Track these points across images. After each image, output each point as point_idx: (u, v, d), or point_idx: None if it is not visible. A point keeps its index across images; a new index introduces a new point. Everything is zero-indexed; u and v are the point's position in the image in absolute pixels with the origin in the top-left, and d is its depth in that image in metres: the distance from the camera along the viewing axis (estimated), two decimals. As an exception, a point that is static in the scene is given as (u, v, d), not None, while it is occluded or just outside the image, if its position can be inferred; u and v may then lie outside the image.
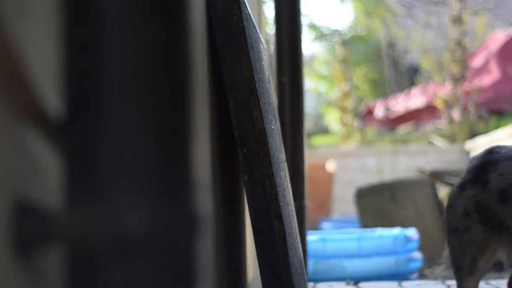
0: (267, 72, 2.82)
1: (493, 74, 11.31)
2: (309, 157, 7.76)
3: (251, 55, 2.30)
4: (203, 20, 2.19)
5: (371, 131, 12.69)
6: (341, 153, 9.78)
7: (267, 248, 2.31)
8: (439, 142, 10.57)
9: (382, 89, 16.06)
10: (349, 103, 12.83)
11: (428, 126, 11.99)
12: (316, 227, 7.80)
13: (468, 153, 9.61)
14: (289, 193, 2.87)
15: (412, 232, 5.40)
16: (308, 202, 4.08)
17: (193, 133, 0.77)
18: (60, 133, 0.81)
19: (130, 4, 0.75)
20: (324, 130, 16.95)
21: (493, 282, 4.00)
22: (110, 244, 0.73)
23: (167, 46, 0.76)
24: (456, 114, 11.02)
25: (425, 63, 12.72)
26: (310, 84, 17.40)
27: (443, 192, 6.67)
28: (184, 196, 0.76)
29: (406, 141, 11.24)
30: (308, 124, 13.11)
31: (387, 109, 13.07)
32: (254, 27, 2.58)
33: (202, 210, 0.77)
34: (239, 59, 2.27)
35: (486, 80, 11.27)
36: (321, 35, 17.18)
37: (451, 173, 7.27)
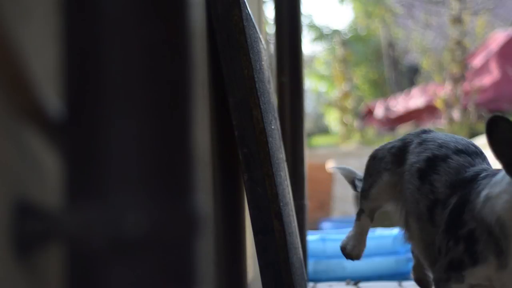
0: (267, 72, 2.82)
1: (493, 74, 11.30)
2: (309, 157, 7.74)
3: (251, 55, 2.30)
4: (203, 20, 2.19)
5: (371, 131, 12.69)
6: (341, 153, 9.77)
7: (267, 248, 2.31)
8: (439, 142, 10.56)
9: (382, 89, 16.05)
10: (349, 103, 12.83)
11: (428, 126, 11.99)
12: (316, 227, 7.79)
13: (468, 153, 9.59)
14: (289, 193, 2.87)
15: (412, 232, 5.38)
16: (308, 202, 4.08)
17: (193, 133, 0.77)
18: (60, 133, 0.81)
19: (130, 4, 0.75)
20: (324, 130, 16.95)
21: (493, 282, 3.99)
22: (110, 244, 0.73)
23: (167, 46, 0.76)
24: (456, 114, 11.02)
25: (425, 63, 12.72)
26: (310, 84, 17.40)
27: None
28: (184, 196, 0.76)
29: (406, 141, 11.22)
30: (308, 124, 13.11)
31: (387, 109, 13.06)
32: (254, 27, 2.58)
33: (202, 210, 0.77)
34: (239, 59, 2.27)
35: (486, 80, 11.26)
36: (321, 35, 17.19)
37: (451, 173, 7.25)
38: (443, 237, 2.27)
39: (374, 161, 2.64)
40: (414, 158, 2.50)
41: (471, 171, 2.34)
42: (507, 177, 2.12)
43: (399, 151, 2.57)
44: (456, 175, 2.36)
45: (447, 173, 2.38)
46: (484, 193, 2.20)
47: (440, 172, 2.39)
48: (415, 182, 2.46)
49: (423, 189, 2.43)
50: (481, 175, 2.29)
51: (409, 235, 2.59)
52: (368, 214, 2.70)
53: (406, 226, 2.61)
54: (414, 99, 12.55)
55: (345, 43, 13.85)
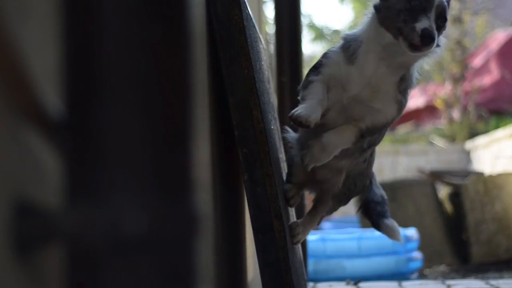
0: (267, 72, 2.82)
1: (493, 74, 11.31)
2: (309, 157, 7.72)
3: (251, 55, 2.30)
4: (203, 20, 2.19)
5: (371, 131, 12.68)
6: (341, 153, 9.75)
7: (267, 248, 2.31)
8: (439, 142, 10.58)
9: (382, 89, 16.02)
10: (349, 103, 12.81)
11: (428, 126, 12.00)
12: (316, 227, 7.78)
13: (468, 153, 9.61)
14: (289, 193, 2.87)
15: (412, 232, 5.40)
16: (308, 202, 4.08)
17: (193, 133, 0.77)
18: (60, 133, 0.81)
19: (130, 4, 0.75)
20: (324, 130, 16.92)
21: (493, 282, 4.00)
22: (110, 243, 0.73)
23: (167, 46, 0.76)
24: (456, 114, 11.02)
25: (425, 63, 12.71)
26: (310, 84, 17.37)
27: (443, 192, 6.67)
28: (184, 196, 0.76)
29: (406, 141, 11.25)
30: (308, 124, 13.07)
31: (387, 109, 13.04)
32: (254, 27, 2.58)
33: (202, 210, 0.77)
34: (239, 59, 2.27)
35: (486, 80, 11.27)
36: (321, 35, 17.18)
37: (451, 173, 7.27)
38: None
39: None
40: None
41: None
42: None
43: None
44: None
45: None
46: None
47: None
48: None
49: None
50: None
51: None
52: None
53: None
54: (414, 99, 12.55)
55: (345, 43, 13.83)
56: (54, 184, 0.94)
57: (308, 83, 2.57)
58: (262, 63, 2.65)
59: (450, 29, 11.39)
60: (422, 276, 5.64)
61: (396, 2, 2.54)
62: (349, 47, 2.57)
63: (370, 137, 2.61)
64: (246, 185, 2.30)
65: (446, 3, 2.55)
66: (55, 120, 0.84)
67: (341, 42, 2.62)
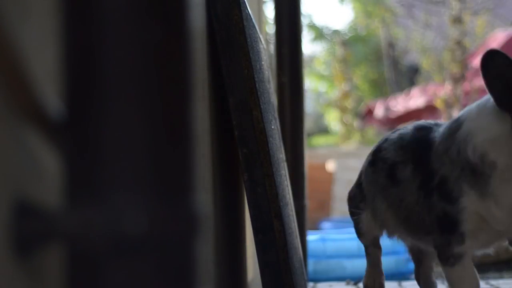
0: (267, 72, 2.82)
1: (493, 74, 11.27)
2: (309, 157, 7.75)
3: (251, 55, 2.30)
4: (203, 20, 2.19)
5: (371, 131, 12.69)
6: (341, 153, 9.77)
7: (267, 248, 2.31)
8: (439, 142, 10.56)
9: (382, 89, 16.06)
10: (349, 103, 12.84)
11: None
12: (316, 227, 7.79)
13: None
14: (289, 193, 2.87)
15: (412, 232, 5.39)
16: (308, 202, 4.08)
17: (193, 133, 0.77)
18: (60, 133, 0.81)
19: (130, 4, 0.75)
20: (324, 130, 16.96)
21: (493, 282, 4.00)
22: (110, 244, 0.73)
23: (167, 46, 0.76)
24: (456, 114, 11.01)
25: (425, 63, 12.73)
26: (310, 84, 17.40)
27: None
28: (184, 196, 0.76)
29: (406, 141, 11.22)
30: (308, 124, 13.12)
31: (387, 109, 13.06)
32: (254, 27, 2.58)
33: (202, 210, 0.77)
34: (239, 59, 2.27)
35: (486, 80, 11.22)
36: (321, 35, 17.19)
37: (451, 173, 7.25)
38: (418, 195, 2.25)
39: None
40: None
41: (416, 132, 2.34)
42: (482, 115, 2.14)
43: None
44: (400, 140, 2.36)
45: (391, 143, 2.39)
46: (456, 134, 2.16)
47: (384, 148, 2.42)
48: (368, 171, 2.53)
49: (375, 168, 2.48)
50: (432, 127, 2.28)
51: (389, 228, 2.54)
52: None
53: (382, 225, 2.58)
54: (414, 99, 12.55)
55: (345, 43, 13.86)
56: (54, 184, 0.93)
57: (457, 259, 2.11)
58: (262, 63, 2.65)
59: (450, 29, 11.39)
60: (422, 276, 5.62)
61: None
62: (477, 173, 2.08)
63: None
64: (246, 185, 2.30)
65: None
66: (55, 120, 0.84)
67: (444, 136, 2.16)
